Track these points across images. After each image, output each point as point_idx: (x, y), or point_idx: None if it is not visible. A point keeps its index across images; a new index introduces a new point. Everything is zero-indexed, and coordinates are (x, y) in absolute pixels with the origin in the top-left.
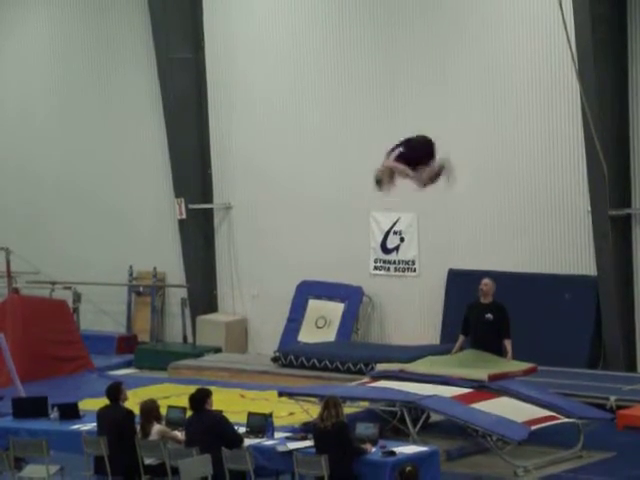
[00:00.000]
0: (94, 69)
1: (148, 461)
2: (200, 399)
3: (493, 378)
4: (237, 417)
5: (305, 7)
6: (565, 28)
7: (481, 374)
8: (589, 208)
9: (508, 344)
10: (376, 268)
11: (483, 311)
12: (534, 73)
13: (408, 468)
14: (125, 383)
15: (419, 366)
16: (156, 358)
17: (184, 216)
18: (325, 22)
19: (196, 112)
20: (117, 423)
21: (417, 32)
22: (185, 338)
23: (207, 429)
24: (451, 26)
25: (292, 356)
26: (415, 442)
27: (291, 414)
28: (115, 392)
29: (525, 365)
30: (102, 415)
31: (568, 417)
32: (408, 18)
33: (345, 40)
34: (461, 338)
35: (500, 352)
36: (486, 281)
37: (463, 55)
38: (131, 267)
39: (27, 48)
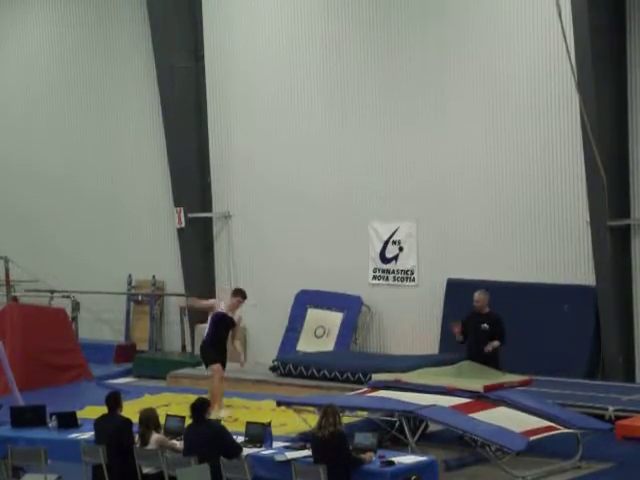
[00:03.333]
0: (94, 78)
1: (146, 470)
2: (200, 407)
3: (489, 389)
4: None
5: (304, 16)
6: (565, 39)
7: (477, 385)
8: (588, 219)
9: (496, 341)
10: (375, 278)
11: (480, 321)
12: (533, 84)
13: (414, 477)
14: (123, 392)
15: (414, 377)
16: (155, 367)
17: (183, 225)
18: (324, 31)
19: (195, 121)
20: (115, 432)
21: (417, 40)
22: (184, 347)
23: (206, 438)
24: (450, 38)
25: (291, 365)
26: (414, 452)
27: (282, 425)
28: (114, 401)
29: (520, 377)
30: (99, 424)
31: (567, 427)
32: (408, 28)
33: (345, 49)
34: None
35: (496, 363)
36: (477, 297)
37: (461, 64)
38: (130, 276)
39: (28, 56)
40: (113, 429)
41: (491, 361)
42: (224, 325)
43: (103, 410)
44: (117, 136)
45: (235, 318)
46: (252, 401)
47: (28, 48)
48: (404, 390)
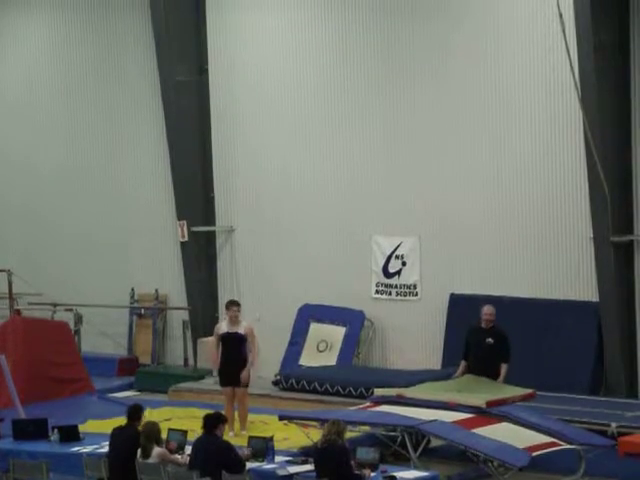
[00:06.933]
0: (97, 93)
1: None
2: (213, 421)
3: (491, 404)
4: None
5: (309, 29)
6: (568, 54)
7: (479, 400)
8: (591, 234)
9: (503, 368)
10: (378, 292)
11: (484, 336)
12: (536, 100)
13: None
14: (125, 406)
15: (417, 392)
16: (157, 381)
17: (186, 238)
18: (330, 43)
19: (199, 135)
20: (126, 443)
21: (424, 53)
22: (186, 361)
23: (211, 454)
24: (456, 53)
25: (293, 380)
26: (416, 467)
27: (285, 439)
28: (133, 412)
29: (523, 391)
30: (115, 435)
31: (569, 443)
32: (413, 40)
33: (350, 62)
34: (463, 363)
35: (498, 377)
36: (490, 311)
37: (466, 79)
38: (133, 289)
39: (31, 65)
40: (124, 441)
41: (494, 378)
42: (230, 343)
43: (105, 423)
44: (120, 149)
45: (241, 331)
46: (256, 415)
47: (32, 53)
48: (406, 405)
